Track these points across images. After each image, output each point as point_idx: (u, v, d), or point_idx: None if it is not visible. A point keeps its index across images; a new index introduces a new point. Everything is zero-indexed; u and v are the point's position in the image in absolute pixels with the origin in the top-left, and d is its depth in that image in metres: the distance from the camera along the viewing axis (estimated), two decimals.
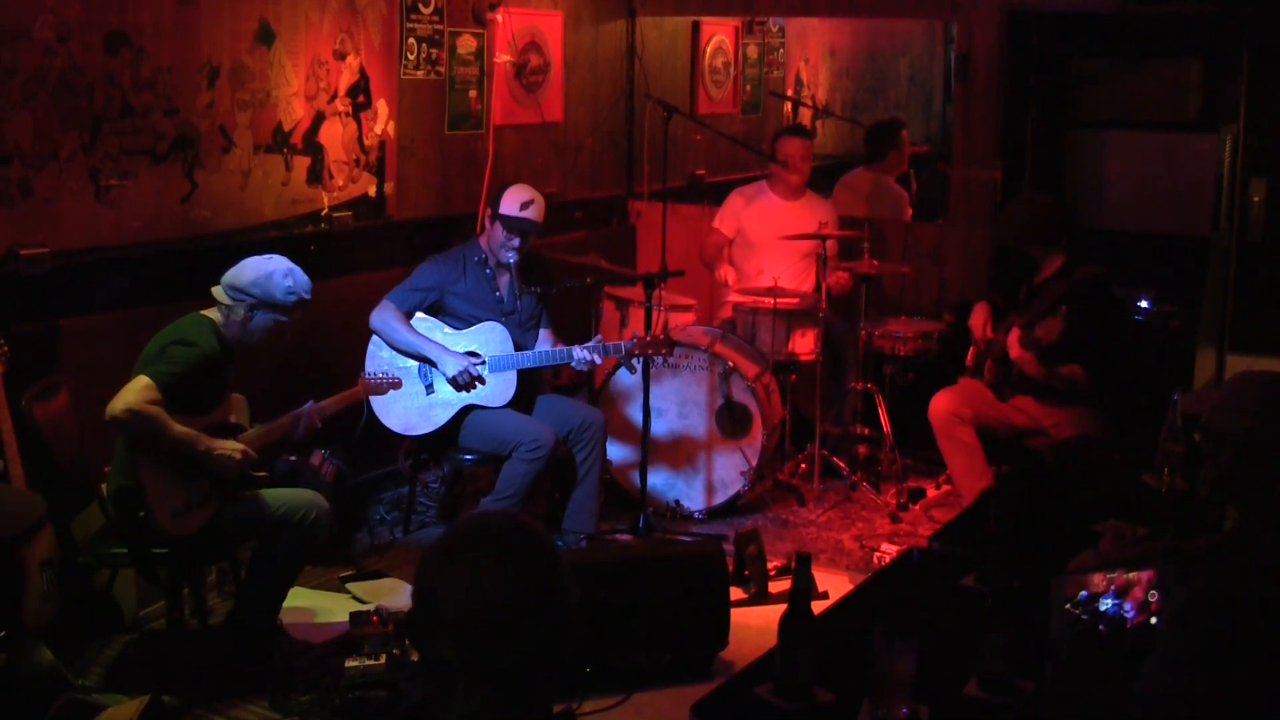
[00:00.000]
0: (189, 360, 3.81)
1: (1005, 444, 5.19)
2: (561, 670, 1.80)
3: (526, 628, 1.74)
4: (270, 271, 3.98)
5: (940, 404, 5.17)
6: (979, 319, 5.31)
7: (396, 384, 4.59)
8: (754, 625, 4.29)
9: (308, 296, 4.06)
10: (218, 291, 3.99)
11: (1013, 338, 4.99)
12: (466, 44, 5.96)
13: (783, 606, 2.71)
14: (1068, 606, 2.62)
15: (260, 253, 4.11)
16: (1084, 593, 2.63)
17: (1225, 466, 2.54)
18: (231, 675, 3.94)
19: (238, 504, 3.93)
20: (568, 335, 5.27)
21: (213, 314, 4.00)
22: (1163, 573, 2.67)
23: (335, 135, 5.35)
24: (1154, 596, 2.66)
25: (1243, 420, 2.51)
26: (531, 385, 5.14)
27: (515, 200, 4.98)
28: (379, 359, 4.97)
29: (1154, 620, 2.66)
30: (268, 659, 4.03)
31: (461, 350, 4.97)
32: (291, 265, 4.06)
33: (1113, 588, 2.65)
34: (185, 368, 3.79)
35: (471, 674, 1.75)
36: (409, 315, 4.99)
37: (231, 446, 3.88)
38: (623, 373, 5.44)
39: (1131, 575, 2.68)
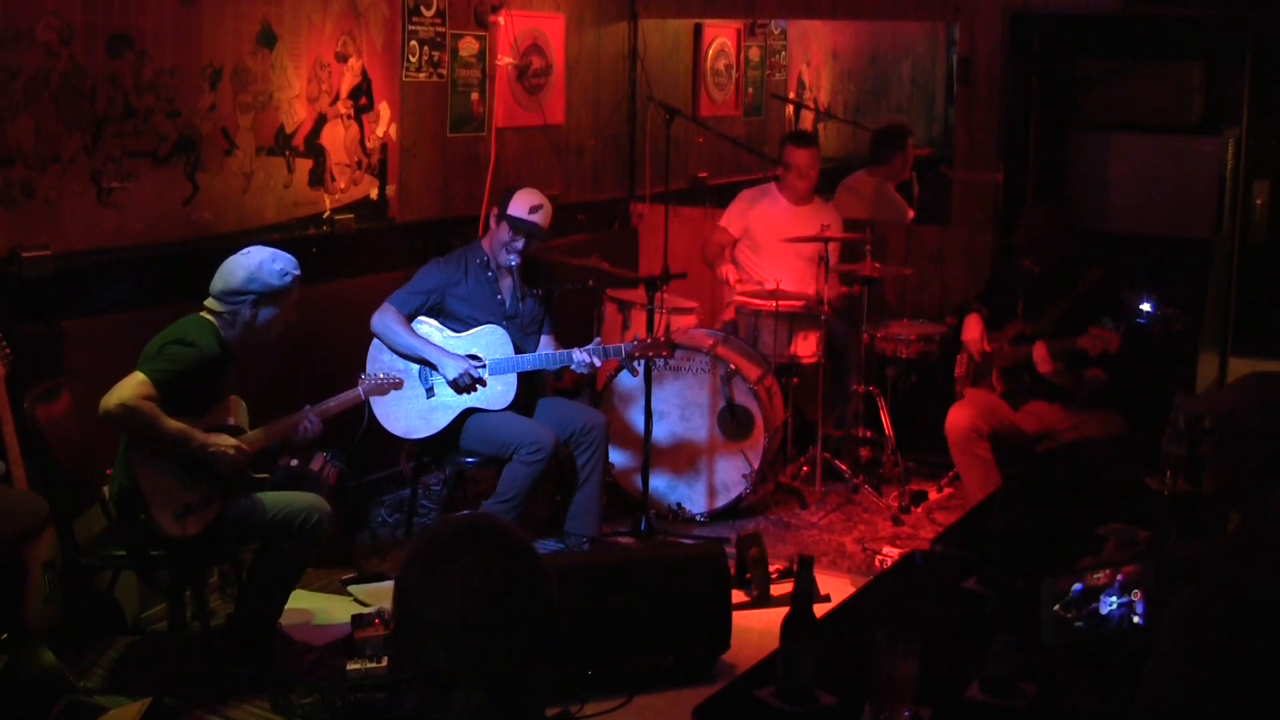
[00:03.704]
0: (186, 360, 3.80)
1: (1014, 451, 5.17)
2: (552, 666, 1.81)
3: (515, 626, 1.76)
4: (259, 263, 3.96)
5: (959, 419, 5.11)
6: (974, 332, 5.28)
7: (397, 384, 4.56)
8: (756, 628, 4.29)
9: (298, 271, 4.05)
10: (212, 304, 3.96)
11: (1040, 352, 4.96)
12: (468, 46, 5.96)
13: (785, 609, 2.71)
14: (1057, 608, 2.62)
15: None
16: (1078, 585, 2.62)
17: (1251, 465, 2.52)
18: (232, 679, 3.93)
19: (239, 506, 3.93)
20: (569, 338, 5.27)
21: (212, 316, 3.98)
22: (1145, 572, 2.67)
23: (337, 137, 5.35)
24: (1137, 595, 2.65)
25: (1270, 419, 2.49)
26: (533, 388, 5.14)
27: (524, 204, 4.98)
28: (380, 362, 4.97)
29: (1137, 619, 2.65)
30: (268, 662, 4.02)
31: (462, 353, 4.97)
32: (270, 250, 4.04)
33: (1119, 580, 2.63)
34: (182, 366, 3.78)
35: (468, 677, 1.75)
36: (410, 318, 4.98)
37: (226, 442, 3.87)
38: (624, 375, 5.44)
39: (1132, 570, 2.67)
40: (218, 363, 3.92)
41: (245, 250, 4.03)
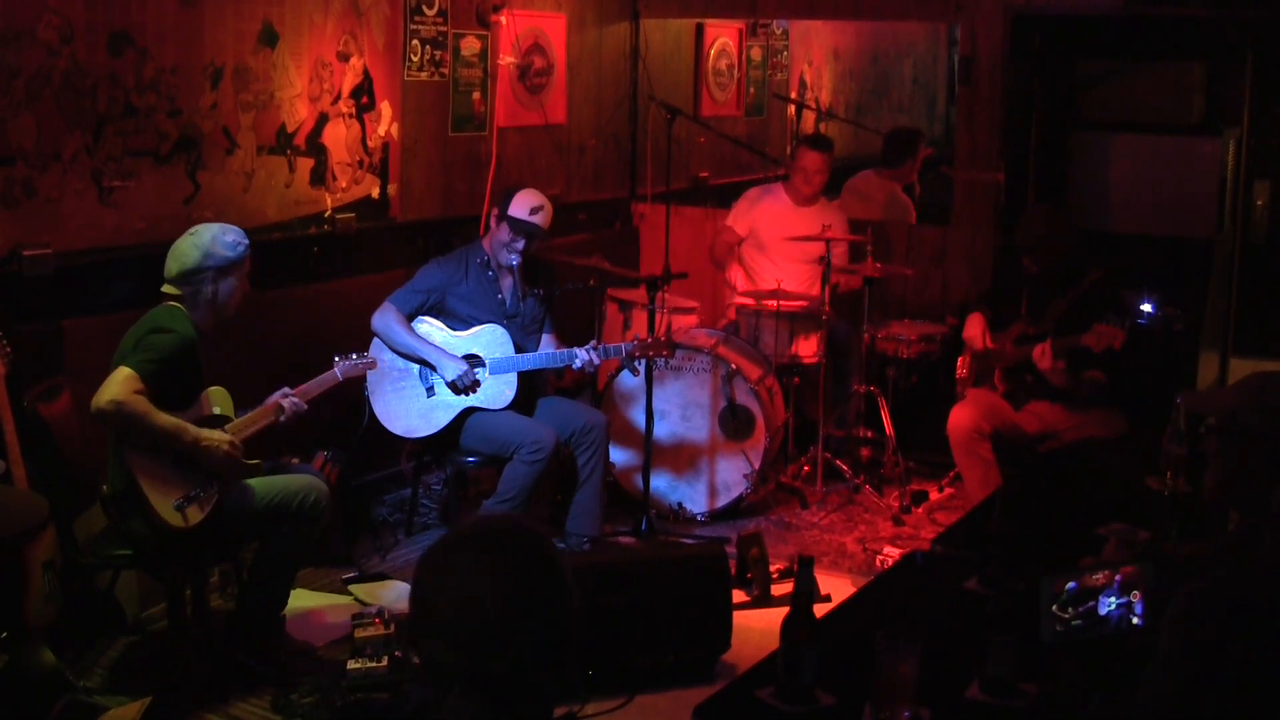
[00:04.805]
0: (169, 346, 3.79)
1: (1016, 451, 5.16)
2: (559, 677, 1.78)
3: (521, 635, 1.73)
4: (211, 238, 3.96)
5: (961, 420, 5.10)
6: (976, 329, 5.29)
7: (372, 364, 4.56)
8: (756, 628, 4.29)
9: (248, 240, 4.05)
10: (170, 289, 3.95)
11: (1042, 349, 4.96)
12: (470, 45, 5.96)
13: (785, 609, 2.71)
14: (1055, 607, 2.61)
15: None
16: (1073, 583, 2.62)
17: (1252, 465, 2.51)
18: (233, 669, 3.93)
19: (237, 493, 3.92)
20: (570, 337, 5.27)
21: (179, 303, 3.97)
22: (1145, 572, 2.66)
23: (339, 137, 5.35)
24: (1136, 596, 2.65)
25: (1271, 419, 2.48)
26: (533, 387, 5.14)
27: (525, 204, 4.98)
28: (380, 360, 4.96)
29: (1136, 620, 2.65)
30: (271, 654, 4.02)
31: (462, 353, 4.96)
32: (217, 224, 4.05)
33: (1117, 580, 2.63)
34: (166, 354, 3.77)
35: (466, 679, 1.73)
36: (411, 317, 4.98)
37: (219, 437, 3.86)
38: (625, 375, 5.44)
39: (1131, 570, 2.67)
40: (196, 347, 3.91)
41: (191, 230, 4.03)
